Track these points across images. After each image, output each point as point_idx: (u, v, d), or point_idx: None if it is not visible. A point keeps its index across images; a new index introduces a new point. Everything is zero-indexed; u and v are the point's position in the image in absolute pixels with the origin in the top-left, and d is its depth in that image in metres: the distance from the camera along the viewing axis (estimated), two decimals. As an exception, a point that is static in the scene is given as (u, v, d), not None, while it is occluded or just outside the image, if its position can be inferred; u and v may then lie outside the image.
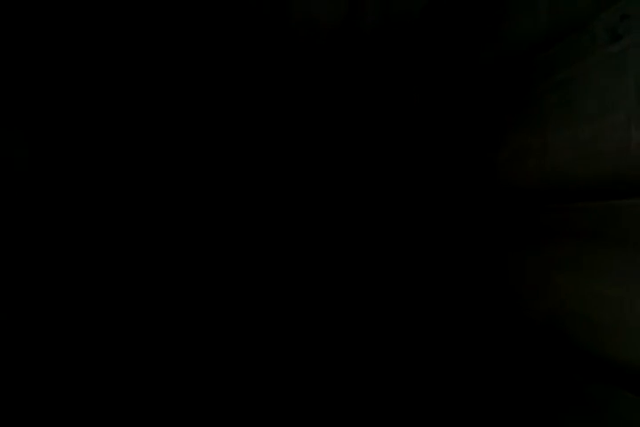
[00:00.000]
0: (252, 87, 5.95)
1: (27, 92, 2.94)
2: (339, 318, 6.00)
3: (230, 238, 6.43)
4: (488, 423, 3.42)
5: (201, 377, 4.26)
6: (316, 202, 6.33)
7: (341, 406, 3.88)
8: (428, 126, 5.05)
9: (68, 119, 3.23)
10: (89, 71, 3.58)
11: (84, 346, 3.74)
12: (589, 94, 2.39)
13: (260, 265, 6.33)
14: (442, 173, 4.74)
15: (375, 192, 6.42)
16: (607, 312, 2.34)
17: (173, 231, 5.34)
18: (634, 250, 2.15)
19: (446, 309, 4.68)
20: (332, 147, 6.39)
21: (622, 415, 2.18)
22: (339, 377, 4.41)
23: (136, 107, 4.50)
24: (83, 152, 3.57)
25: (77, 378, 3.64)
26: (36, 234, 2.88)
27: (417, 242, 5.53)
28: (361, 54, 5.07)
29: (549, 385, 2.82)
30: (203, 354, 5.25)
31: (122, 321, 4.01)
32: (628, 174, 2.13)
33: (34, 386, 3.00)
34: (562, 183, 2.61)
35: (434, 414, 3.78)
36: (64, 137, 3.27)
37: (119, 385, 4.01)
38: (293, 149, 6.38)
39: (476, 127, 3.86)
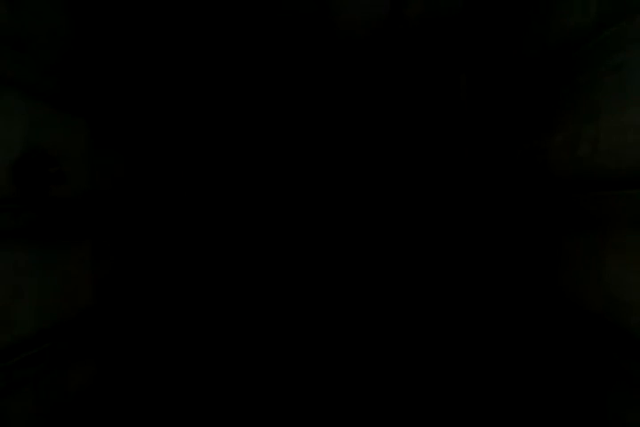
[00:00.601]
0: (300, 82, 6.01)
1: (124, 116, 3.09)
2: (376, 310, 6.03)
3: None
4: (543, 398, 3.43)
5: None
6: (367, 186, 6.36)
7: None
8: (478, 114, 5.03)
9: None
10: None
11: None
12: (641, 80, 2.38)
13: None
14: (492, 160, 4.73)
15: (431, 177, 6.41)
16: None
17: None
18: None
19: (498, 295, 4.68)
20: (381, 137, 6.40)
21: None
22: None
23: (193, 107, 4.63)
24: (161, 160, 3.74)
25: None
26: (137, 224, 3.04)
27: (468, 228, 5.52)
28: (405, 48, 5.08)
29: (598, 366, 2.82)
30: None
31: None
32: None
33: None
34: (615, 170, 2.60)
35: (495, 390, 3.81)
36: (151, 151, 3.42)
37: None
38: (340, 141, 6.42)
39: (526, 115, 3.84)
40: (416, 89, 6.31)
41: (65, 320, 2.97)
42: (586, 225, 2.94)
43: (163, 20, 4.36)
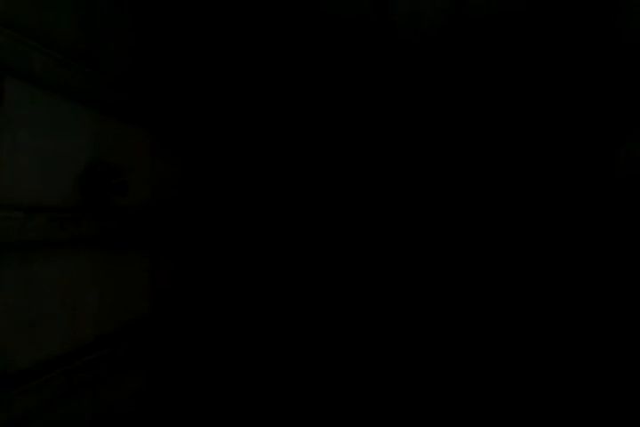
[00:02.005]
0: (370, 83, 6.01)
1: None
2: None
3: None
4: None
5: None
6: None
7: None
8: (545, 121, 4.91)
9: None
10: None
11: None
12: None
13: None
14: (562, 171, 4.60)
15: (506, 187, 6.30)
16: None
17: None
18: None
19: (574, 302, 4.55)
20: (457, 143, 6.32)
21: None
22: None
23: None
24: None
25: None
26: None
27: (542, 239, 5.39)
28: (467, 48, 5.00)
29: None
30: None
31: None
32: None
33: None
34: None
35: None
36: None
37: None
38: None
39: (595, 124, 3.73)
40: (481, 89, 6.20)
41: (122, 328, 3.07)
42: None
43: (222, 30, 4.45)
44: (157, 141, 3.53)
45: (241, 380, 4.43)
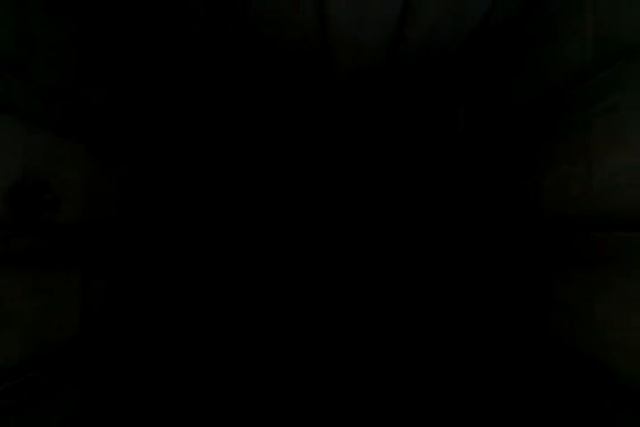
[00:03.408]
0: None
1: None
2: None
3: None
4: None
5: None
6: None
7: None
8: (474, 148, 5.07)
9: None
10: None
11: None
12: (635, 122, 2.41)
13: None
14: (487, 196, 4.74)
15: (426, 211, 6.41)
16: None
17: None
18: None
19: (484, 333, 4.64)
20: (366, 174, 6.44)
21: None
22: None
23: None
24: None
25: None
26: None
27: (460, 268, 5.51)
28: (404, 82, 5.14)
29: (586, 415, 2.78)
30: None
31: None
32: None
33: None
34: (607, 211, 2.61)
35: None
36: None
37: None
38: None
39: (520, 152, 3.88)
40: (414, 122, 6.37)
41: (51, 348, 2.93)
42: (576, 266, 2.93)
43: (165, 52, 4.42)
44: (94, 156, 3.44)
45: (180, 394, 4.31)
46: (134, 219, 4.07)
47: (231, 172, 6.46)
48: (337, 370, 4.99)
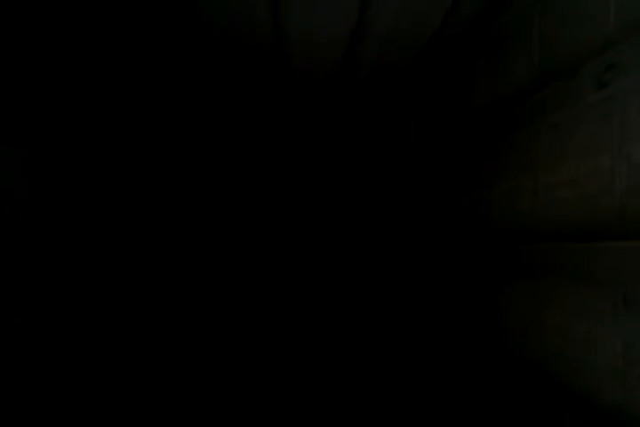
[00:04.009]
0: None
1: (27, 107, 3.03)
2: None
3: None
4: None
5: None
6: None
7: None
8: (427, 159, 5.15)
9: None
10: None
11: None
12: (577, 137, 2.48)
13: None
14: (438, 205, 4.82)
15: (378, 217, 6.46)
16: (594, 354, 2.38)
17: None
18: (619, 292, 2.20)
19: (435, 344, 4.70)
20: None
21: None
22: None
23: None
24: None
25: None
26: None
27: (410, 279, 5.57)
28: (357, 91, 5.20)
29: (538, 422, 2.84)
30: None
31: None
32: (611, 217, 2.20)
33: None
34: (552, 223, 2.68)
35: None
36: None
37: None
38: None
39: (471, 164, 3.95)
40: (367, 130, 6.42)
41: None
42: (525, 276, 3.00)
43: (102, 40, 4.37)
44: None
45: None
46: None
47: (182, 172, 6.42)
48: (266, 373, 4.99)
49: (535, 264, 2.82)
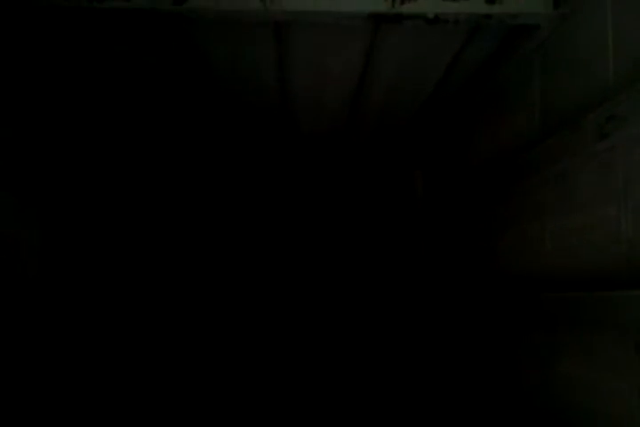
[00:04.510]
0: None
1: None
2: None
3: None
4: None
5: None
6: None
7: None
8: (433, 208, 5.19)
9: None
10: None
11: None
12: (583, 186, 2.51)
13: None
14: (446, 253, 4.82)
15: (388, 268, 6.43)
16: (611, 405, 2.33)
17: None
18: (631, 339, 2.18)
19: (449, 395, 4.61)
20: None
21: None
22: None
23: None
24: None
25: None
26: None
27: (425, 328, 5.51)
28: (364, 145, 5.31)
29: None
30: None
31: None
32: (619, 265, 2.20)
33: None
34: (560, 272, 2.68)
35: None
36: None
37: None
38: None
39: (478, 213, 3.98)
40: (374, 182, 6.49)
41: None
42: (535, 324, 2.97)
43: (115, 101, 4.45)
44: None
45: None
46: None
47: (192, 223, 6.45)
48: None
49: (545, 312, 2.80)
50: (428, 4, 2.66)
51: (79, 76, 3.73)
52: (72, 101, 3.77)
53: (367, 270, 6.53)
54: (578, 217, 2.53)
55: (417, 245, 5.76)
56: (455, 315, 4.52)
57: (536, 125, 2.97)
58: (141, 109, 4.42)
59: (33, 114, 3.23)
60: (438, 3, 2.66)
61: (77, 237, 3.84)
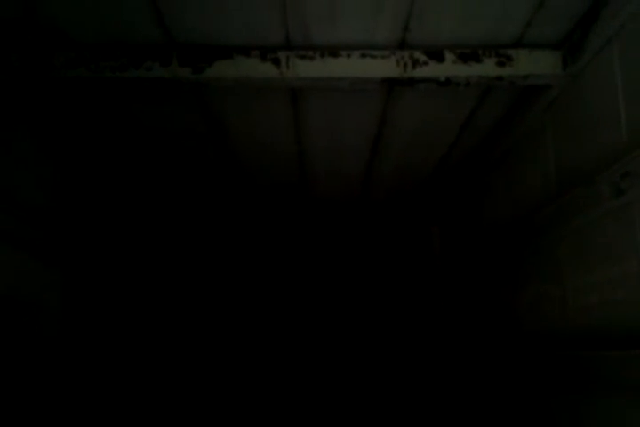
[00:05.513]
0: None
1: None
2: None
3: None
4: None
5: None
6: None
7: None
8: (450, 264, 5.16)
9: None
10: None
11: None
12: (601, 243, 2.50)
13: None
14: (465, 310, 4.75)
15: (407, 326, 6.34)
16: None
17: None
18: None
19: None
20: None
21: None
22: None
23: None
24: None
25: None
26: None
27: (442, 385, 5.38)
28: (379, 205, 5.37)
29: None
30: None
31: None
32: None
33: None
34: (582, 330, 2.63)
35: None
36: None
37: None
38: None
39: (496, 270, 3.95)
40: (391, 239, 6.48)
41: None
42: (557, 383, 2.89)
43: (145, 176, 4.58)
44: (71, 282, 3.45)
45: None
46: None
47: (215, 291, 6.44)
48: None
49: (567, 372, 2.73)
50: (439, 67, 2.74)
51: (98, 143, 3.85)
52: (93, 168, 3.89)
53: (385, 328, 6.43)
54: (597, 274, 2.50)
55: (434, 302, 5.70)
56: (472, 372, 4.43)
57: (551, 182, 2.99)
58: (160, 174, 4.53)
59: (60, 182, 3.35)
60: (449, 66, 2.74)
61: (95, 299, 3.87)
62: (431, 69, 2.73)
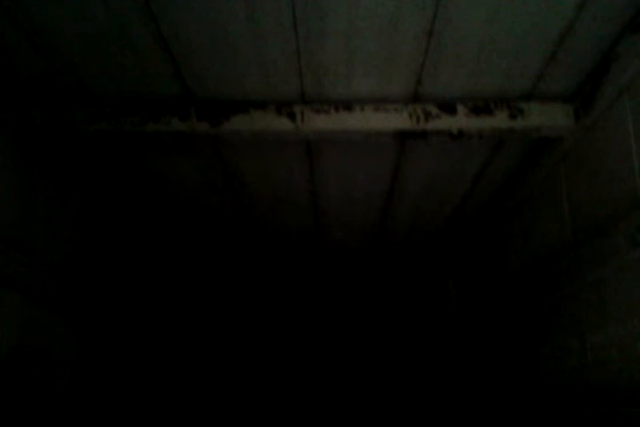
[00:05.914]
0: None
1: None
2: None
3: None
4: None
5: None
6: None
7: None
8: (467, 318, 5.08)
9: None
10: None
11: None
12: (620, 296, 2.45)
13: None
14: (483, 365, 4.65)
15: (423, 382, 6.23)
16: None
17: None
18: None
19: None
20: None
21: None
22: None
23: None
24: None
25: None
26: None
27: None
28: (394, 257, 5.37)
29: None
30: None
31: None
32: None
33: None
34: (604, 386, 2.56)
35: None
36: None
37: None
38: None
39: (513, 323, 3.88)
40: (406, 291, 6.45)
41: None
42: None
43: (162, 232, 4.65)
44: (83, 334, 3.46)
45: None
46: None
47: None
48: None
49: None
50: (451, 120, 2.78)
51: (118, 196, 3.92)
52: (111, 221, 3.95)
53: (400, 381, 6.32)
54: (617, 328, 2.45)
55: (450, 353, 5.61)
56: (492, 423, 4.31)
57: (567, 233, 2.96)
58: (178, 227, 4.58)
59: (78, 237, 3.40)
60: (461, 119, 2.78)
61: (108, 351, 3.86)
62: (443, 122, 2.77)
